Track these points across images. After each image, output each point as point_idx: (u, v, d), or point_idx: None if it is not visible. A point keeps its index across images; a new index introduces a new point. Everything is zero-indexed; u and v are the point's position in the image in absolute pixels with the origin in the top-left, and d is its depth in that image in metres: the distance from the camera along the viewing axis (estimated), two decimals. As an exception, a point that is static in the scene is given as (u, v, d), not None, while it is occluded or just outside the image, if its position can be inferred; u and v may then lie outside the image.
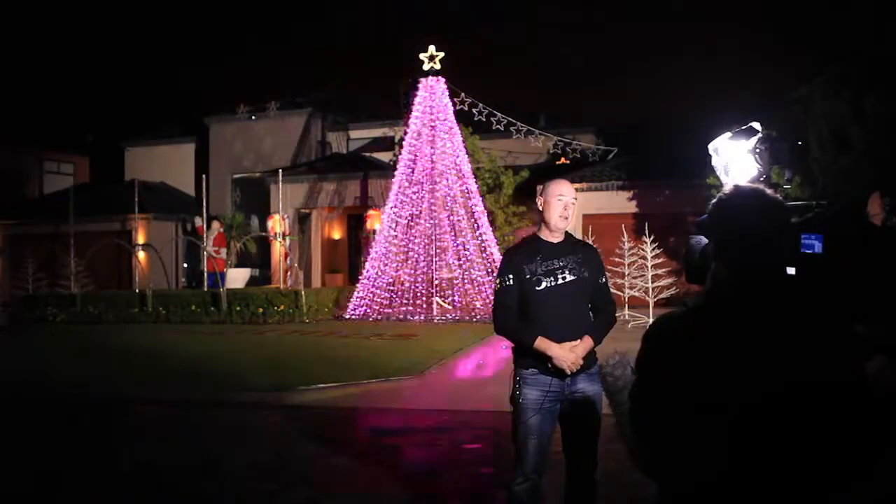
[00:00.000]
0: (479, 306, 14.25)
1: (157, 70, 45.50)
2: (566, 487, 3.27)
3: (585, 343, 3.18)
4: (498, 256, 14.64)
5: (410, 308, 14.64)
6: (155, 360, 9.76)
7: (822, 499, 1.47)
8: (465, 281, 14.69)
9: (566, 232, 3.33)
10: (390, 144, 21.72)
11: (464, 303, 14.53)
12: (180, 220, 21.93)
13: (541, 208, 3.30)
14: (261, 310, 14.55)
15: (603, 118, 22.82)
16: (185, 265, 21.74)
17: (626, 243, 13.90)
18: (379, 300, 14.89)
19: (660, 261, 13.50)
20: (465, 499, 4.50)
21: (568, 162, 20.42)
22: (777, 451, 1.45)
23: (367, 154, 22.65)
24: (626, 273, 13.80)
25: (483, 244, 15.02)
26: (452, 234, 14.92)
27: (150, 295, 15.39)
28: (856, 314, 1.87)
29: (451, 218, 15.00)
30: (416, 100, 15.71)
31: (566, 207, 3.23)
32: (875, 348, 1.79)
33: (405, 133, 16.15)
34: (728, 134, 2.27)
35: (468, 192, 15.27)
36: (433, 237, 14.94)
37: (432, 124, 15.42)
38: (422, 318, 14.40)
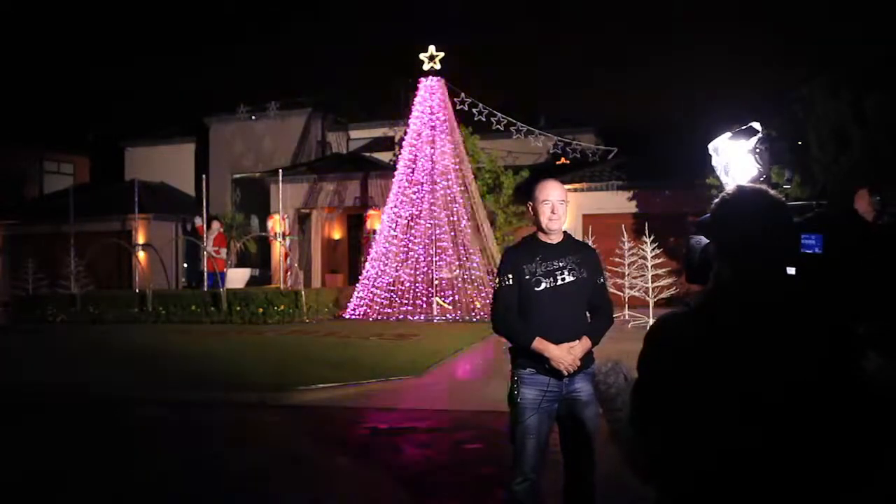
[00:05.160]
0: (478, 306, 14.25)
1: (157, 70, 45.49)
2: (564, 487, 3.27)
3: (583, 344, 3.18)
4: (498, 256, 14.65)
5: (410, 308, 14.64)
6: (155, 361, 9.76)
7: (823, 499, 1.47)
8: (465, 281, 14.69)
9: (565, 232, 3.32)
10: (390, 144, 21.73)
11: (464, 303, 14.53)
12: (180, 220, 21.92)
13: (532, 213, 3.31)
14: (261, 310, 14.54)
15: (603, 118, 22.81)
16: (185, 265, 21.72)
17: (626, 243, 13.90)
18: (379, 300, 14.89)
19: (660, 261, 13.50)
20: (465, 499, 4.50)
21: (568, 162, 20.42)
22: (778, 452, 1.45)
23: (367, 154, 22.65)
24: (626, 273, 13.79)
25: (483, 244, 15.02)
26: (452, 234, 14.92)
27: (150, 295, 15.39)
28: (856, 314, 1.87)
29: (451, 218, 15.00)
30: (416, 100, 15.70)
31: (554, 210, 3.21)
32: (872, 347, 1.79)
33: (405, 133, 16.15)
34: (728, 134, 2.27)
35: (468, 192, 15.28)
36: (433, 237, 14.93)
37: (432, 124, 15.42)
38: (422, 318, 14.40)
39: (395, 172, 15.79)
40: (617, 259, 13.74)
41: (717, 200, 1.65)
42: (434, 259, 14.86)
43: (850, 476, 1.49)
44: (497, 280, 3.32)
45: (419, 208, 15.18)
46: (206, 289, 16.25)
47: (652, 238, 13.44)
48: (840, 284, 1.86)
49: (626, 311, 13.38)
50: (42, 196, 26.54)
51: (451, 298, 14.63)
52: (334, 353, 10.12)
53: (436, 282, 14.78)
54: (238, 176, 24.25)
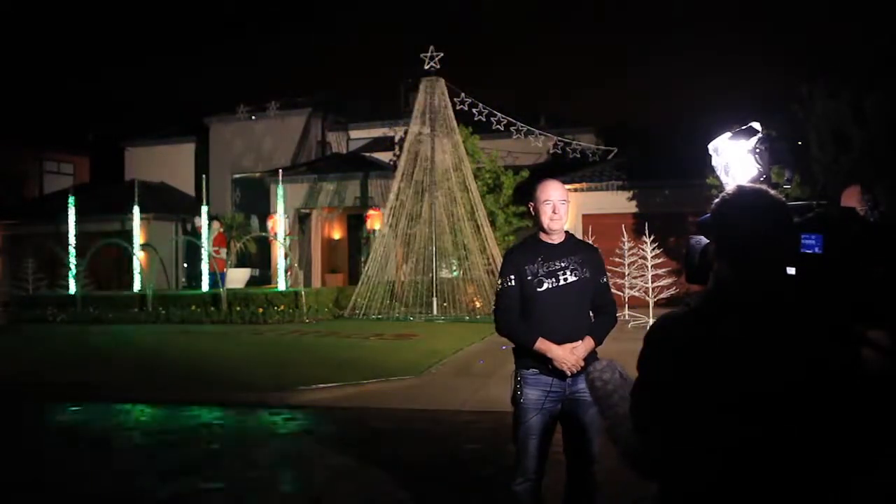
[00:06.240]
0: (478, 306, 14.24)
1: (157, 70, 45.51)
2: (566, 487, 3.26)
3: (586, 344, 3.17)
4: (498, 256, 14.65)
5: (410, 308, 14.64)
6: (155, 361, 9.76)
7: (825, 496, 1.47)
8: (466, 281, 14.69)
9: (567, 232, 3.32)
10: (390, 144, 21.72)
11: (464, 303, 14.52)
12: (180, 220, 21.92)
13: (533, 213, 3.30)
14: (261, 310, 14.54)
15: (603, 118, 22.84)
16: (185, 265, 21.73)
17: (626, 243, 13.90)
18: (379, 300, 14.90)
19: (660, 261, 13.50)
20: (465, 499, 4.50)
21: (559, 152, 20.18)
22: (779, 449, 1.45)
23: (367, 154, 22.65)
24: (626, 273, 13.79)
25: (483, 244, 15.03)
26: (452, 234, 14.92)
27: (150, 295, 15.39)
28: (855, 314, 1.87)
29: (451, 218, 15.00)
30: (416, 100, 15.72)
31: (555, 210, 3.20)
32: (867, 345, 1.79)
33: (405, 133, 16.16)
34: (728, 134, 2.26)
35: (468, 192, 15.28)
36: (433, 237, 14.94)
37: (432, 124, 15.44)
38: (422, 318, 14.40)
39: (395, 172, 15.79)
40: (617, 259, 13.73)
41: (717, 200, 1.65)
42: (434, 259, 14.86)
43: (849, 474, 1.49)
44: (499, 281, 3.31)
45: (419, 208, 15.18)
46: (206, 289, 16.26)
47: (652, 238, 13.45)
48: (840, 284, 1.85)
49: (627, 311, 13.38)
50: (42, 196, 26.54)
51: (450, 298, 14.62)
52: (334, 353, 10.12)
53: (436, 282, 14.79)
54: (238, 176, 24.25)
